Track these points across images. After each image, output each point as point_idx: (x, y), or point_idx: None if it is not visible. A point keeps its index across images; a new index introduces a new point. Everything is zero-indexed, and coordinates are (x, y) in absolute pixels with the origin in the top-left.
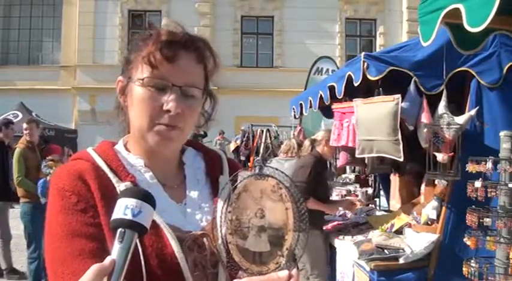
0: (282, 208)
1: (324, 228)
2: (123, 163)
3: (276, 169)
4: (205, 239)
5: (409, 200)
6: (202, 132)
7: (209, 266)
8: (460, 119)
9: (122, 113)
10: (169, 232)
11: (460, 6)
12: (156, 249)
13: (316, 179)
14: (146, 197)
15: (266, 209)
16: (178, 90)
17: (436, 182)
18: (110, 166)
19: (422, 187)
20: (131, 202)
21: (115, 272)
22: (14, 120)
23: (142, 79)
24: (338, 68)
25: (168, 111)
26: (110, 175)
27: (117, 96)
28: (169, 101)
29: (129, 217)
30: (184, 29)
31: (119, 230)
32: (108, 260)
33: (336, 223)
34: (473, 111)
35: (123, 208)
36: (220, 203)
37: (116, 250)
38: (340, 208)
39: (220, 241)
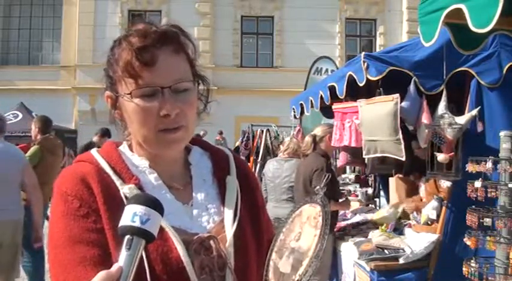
0: (312, 234)
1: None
2: (127, 165)
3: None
4: (212, 242)
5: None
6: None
7: (216, 269)
8: (462, 119)
9: (120, 125)
10: (175, 236)
11: (462, 6)
12: (161, 253)
13: (332, 180)
14: (155, 205)
15: (303, 233)
16: (168, 91)
17: (441, 183)
18: (113, 168)
19: (423, 187)
20: (140, 209)
21: (121, 279)
22: (14, 120)
23: (130, 93)
24: (337, 68)
25: (167, 115)
26: (114, 177)
27: (111, 111)
28: (164, 105)
29: (137, 224)
30: (153, 26)
31: (127, 237)
32: (115, 267)
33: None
34: (474, 112)
35: (132, 215)
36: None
37: (123, 257)
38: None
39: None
